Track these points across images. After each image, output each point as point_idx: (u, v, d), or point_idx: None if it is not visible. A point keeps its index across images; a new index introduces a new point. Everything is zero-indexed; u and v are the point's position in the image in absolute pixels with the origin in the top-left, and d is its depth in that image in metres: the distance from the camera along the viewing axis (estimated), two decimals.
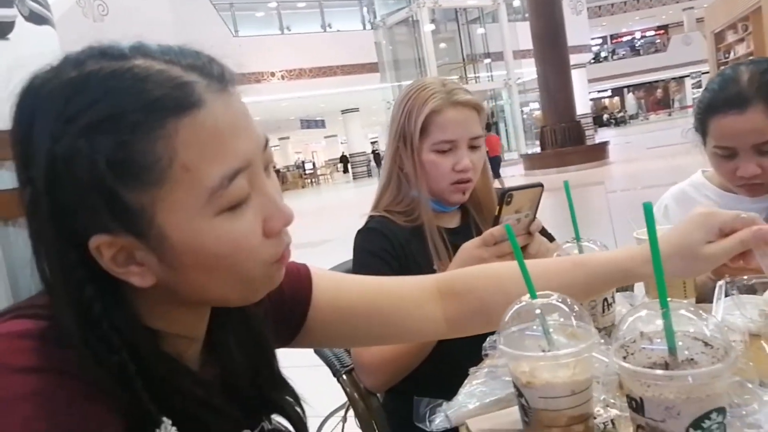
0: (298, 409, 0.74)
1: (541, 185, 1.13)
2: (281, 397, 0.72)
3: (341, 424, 1.45)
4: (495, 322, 0.70)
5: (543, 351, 0.68)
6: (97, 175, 0.48)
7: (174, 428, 0.53)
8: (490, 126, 13.48)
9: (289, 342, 0.80)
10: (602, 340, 0.77)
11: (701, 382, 0.54)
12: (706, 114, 1.28)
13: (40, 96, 0.50)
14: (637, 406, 0.58)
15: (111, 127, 0.48)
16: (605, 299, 0.95)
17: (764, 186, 1.28)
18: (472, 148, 1.27)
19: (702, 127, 1.31)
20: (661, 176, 9.27)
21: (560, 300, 0.69)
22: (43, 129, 0.49)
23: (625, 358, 0.60)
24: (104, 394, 0.49)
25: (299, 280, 0.79)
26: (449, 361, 1.06)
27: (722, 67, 1.92)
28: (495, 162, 11.62)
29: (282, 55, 18.35)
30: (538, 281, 0.70)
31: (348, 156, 26.62)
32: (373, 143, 34.13)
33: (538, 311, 0.69)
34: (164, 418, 0.52)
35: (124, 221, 0.50)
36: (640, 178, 9.69)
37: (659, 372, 0.55)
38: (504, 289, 0.79)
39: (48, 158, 0.48)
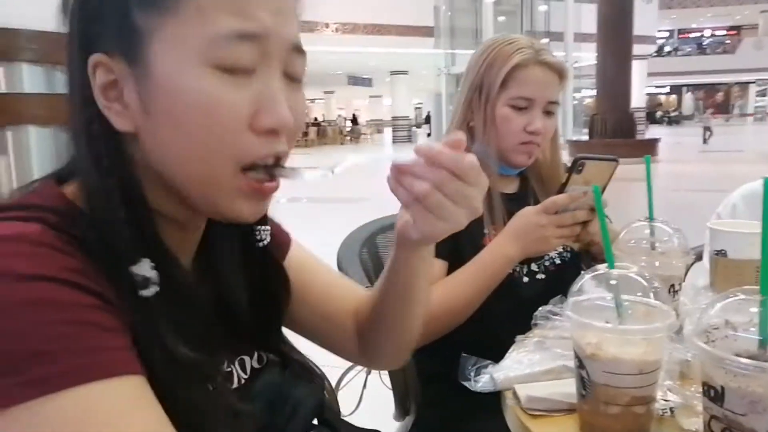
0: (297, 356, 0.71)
1: (616, 160, 1.07)
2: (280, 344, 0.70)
3: (364, 375, 1.44)
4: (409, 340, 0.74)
5: (607, 323, 0.64)
6: None
7: (155, 271, 0.50)
8: None
9: None
10: None
11: None
12: None
13: None
14: (716, 395, 0.54)
15: None
16: (672, 285, 0.89)
17: None
18: (547, 113, 1.22)
19: None
20: (710, 181, 8.95)
21: (638, 274, 0.65)
22: None
23: (706, 344, 0.56)
24: (107, 303, 0.47)
25: (281, 235, 0.76)
26: (488, 330, 1.03)
27: None
28: None
29: (338, 7, 18.05)
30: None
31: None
32: (417, 109, 33.74)
33: (613, 282, 0.64)
34: (143, 259, 0.50)
35: (125, 40, 0.50)
36: (688, 180, 9.39)
37: (752, 362, 0.51)
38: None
39: None
